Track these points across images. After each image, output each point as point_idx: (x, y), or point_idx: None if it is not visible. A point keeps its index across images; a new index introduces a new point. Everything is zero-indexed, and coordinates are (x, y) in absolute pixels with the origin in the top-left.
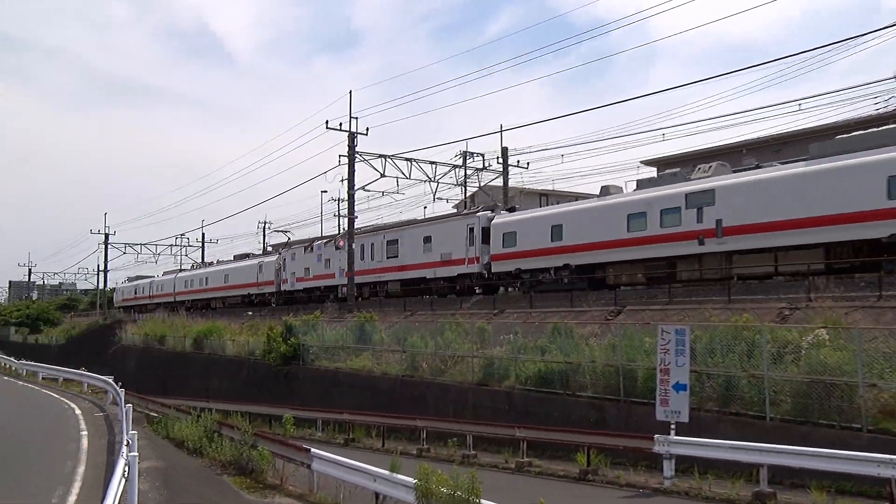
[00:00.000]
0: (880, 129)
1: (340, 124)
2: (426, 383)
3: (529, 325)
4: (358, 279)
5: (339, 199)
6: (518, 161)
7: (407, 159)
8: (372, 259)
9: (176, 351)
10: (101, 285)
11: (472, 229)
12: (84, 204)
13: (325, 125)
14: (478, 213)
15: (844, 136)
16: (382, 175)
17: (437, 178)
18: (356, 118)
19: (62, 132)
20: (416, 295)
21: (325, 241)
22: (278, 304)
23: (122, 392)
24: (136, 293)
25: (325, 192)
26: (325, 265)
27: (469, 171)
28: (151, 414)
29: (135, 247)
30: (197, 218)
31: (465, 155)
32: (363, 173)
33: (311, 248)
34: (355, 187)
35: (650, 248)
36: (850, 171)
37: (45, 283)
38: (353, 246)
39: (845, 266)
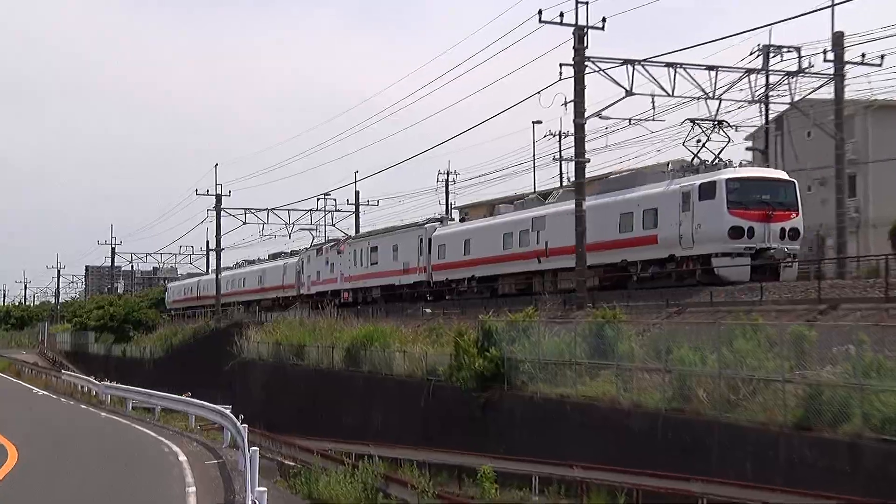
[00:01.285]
0: (633, 171)
1: (561, 15)
2: (705, 423)
3: (887, 330)
4: (348, 285)
5: (560, 134)
6: (863, 56)
7: (668, 64)
8: (360, 265)
9: (321, 368)
10: (214, 270)
11: (421, 240)
12: (183, 159)
13: (537, 17)
14: (426, 226)
15: (616, 175)
16: (629, 93)
17: (717, 92)
18: (586, 2)
19: (139, 50)
20: (393, 301)
21: (331, 244)
22: (302, 308)
23: (244, 429)
24: (184, 293)
25: (539, 122)
26: (330, 270)
27: (775, 79)
28: (286, 462)
29: (259, 213)
30: (347, 169)
31: (766, 52)
32: (599, 91)
33: (322, 252)
34: (586, 113)
35: (516, 263)
36: (604, 209)
37: (135, 268)
38: (346, 252)
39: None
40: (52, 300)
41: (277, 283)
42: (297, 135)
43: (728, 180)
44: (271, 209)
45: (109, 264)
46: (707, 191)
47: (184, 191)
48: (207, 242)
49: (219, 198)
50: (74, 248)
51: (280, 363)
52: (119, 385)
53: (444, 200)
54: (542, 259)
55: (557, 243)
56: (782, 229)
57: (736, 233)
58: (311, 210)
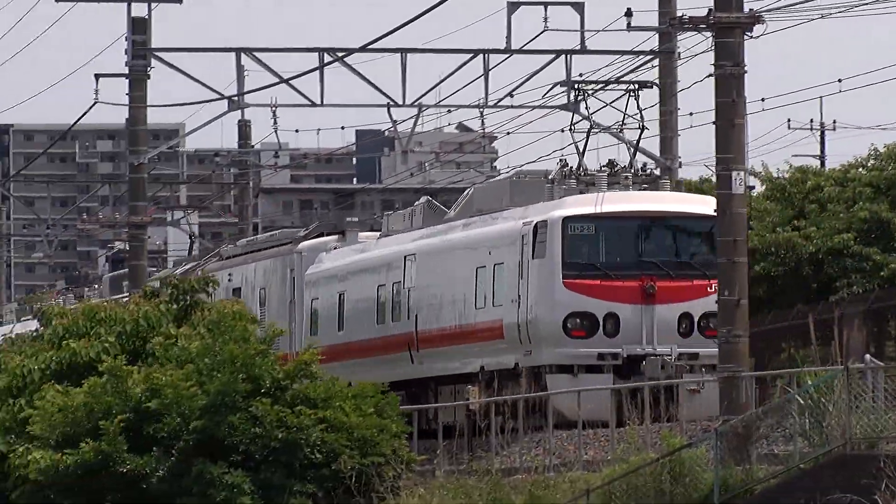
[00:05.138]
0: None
1: None
2: None
3: None
4: None
5: None
6: None
7: None
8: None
9: None
10: None
11: (293, 278)
12: None
13: None
14: (302, 245)
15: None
16: None
17: None
18: None
19: None
20: None
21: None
22: None
23: None
24: None
25: None
26: None
27: None
28: None
29: None
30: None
31: None
32: None
33: None
34: None
35: (383, 361)
36: (459, 254)
37: None
38: None
39: None
40: None
41: None
42: None
43: (567, 219)
44: None
45: None
46: (539, 241)
47: None
48: None
49: None
50: None
51: None
52: None
53: None
54: (412, 351)
55: (433, 320)
56: (685, 316)
57: (578, 326)
58: None
